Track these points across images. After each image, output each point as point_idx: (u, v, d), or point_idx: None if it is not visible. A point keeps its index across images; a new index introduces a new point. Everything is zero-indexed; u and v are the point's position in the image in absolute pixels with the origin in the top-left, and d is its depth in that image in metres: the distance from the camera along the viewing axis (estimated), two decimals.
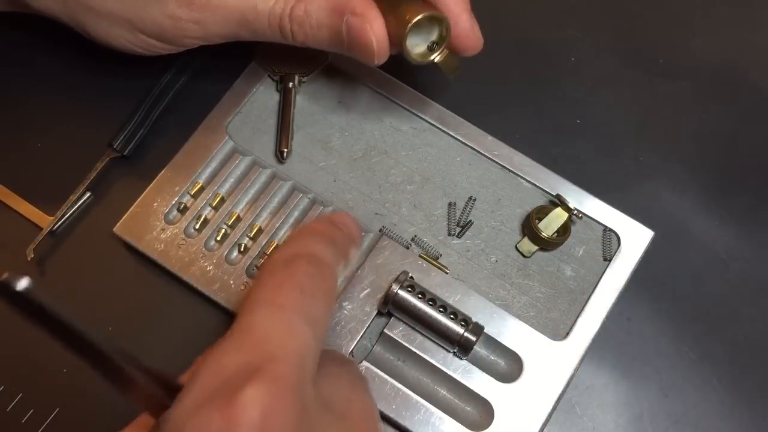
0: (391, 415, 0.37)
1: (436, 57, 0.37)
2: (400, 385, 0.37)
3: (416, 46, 0.37)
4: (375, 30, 0.34)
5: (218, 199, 0.41)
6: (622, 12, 0.48)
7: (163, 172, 0.41)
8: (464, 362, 0.38)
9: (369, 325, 0.38)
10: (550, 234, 0.40)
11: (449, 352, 0.38)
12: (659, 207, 0.43)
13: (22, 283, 0.20)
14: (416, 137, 0.43)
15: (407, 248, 0.40)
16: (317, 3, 0.34)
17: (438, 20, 0.36)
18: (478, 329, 0.37)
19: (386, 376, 0.37)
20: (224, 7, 0.35)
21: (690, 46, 0.47)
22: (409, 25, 0.34)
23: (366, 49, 0.34)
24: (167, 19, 0.35)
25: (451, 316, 0.37)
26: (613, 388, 0.40)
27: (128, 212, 0.41)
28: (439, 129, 0.43)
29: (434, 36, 0.37)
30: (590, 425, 0.39)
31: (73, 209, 0.42)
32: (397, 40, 0.35)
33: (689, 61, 0.47)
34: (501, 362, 0.39)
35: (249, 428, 0.22)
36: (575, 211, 0.40)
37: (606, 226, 0.41)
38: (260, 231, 0.41)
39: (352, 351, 0.38)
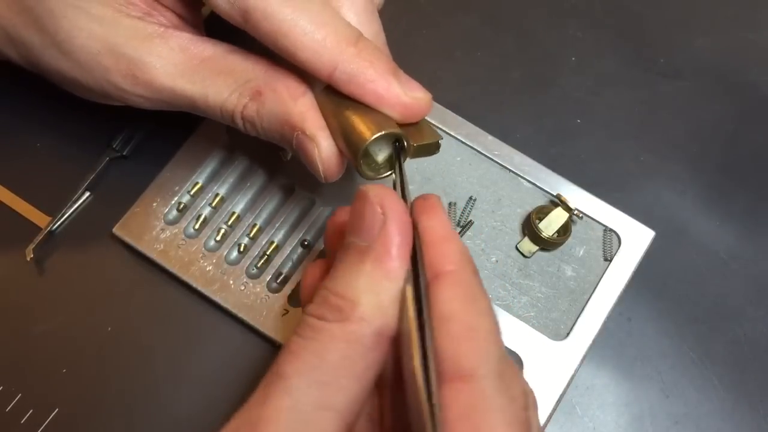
0: None
1: (401, 161, 0.31)
2: None
3: (379, 152, 0.32)
4: (323, 155, 0.31)
5: (218, 199, 0.41)
6: (622, 12, 0.48)
7: (162, 172, 0.41)
8: None
9: None
10: (551, 234, 0.40)
11: None
12: (660, 207, 0.43)
13: None
14: None
15: None
16: (269, 107, 0.32)
17: (388, 136, 0.31)
18: None
19: None
20: (171, 91, 0.32)
21: (690, 46, 0.47)
22: (359, 157, 0.30)
23: (313, 169, 0.32)
24: (112, 87, 0.33)
25: None
26: (613, 389, 0.40)
27: (128, 212, 0.41)
28: (440, 129, 0.43)
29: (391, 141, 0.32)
30: (591, 426, 0.39)
31: (73, 209, 0.42)
32: (351, 159, 0.31)
33: (689, 61, 0.47)
34: None
35: None
36: (575, 211, 0.40)
37: (606, 226, 0.41)
38: (260, 231, 0.41)
39: None
